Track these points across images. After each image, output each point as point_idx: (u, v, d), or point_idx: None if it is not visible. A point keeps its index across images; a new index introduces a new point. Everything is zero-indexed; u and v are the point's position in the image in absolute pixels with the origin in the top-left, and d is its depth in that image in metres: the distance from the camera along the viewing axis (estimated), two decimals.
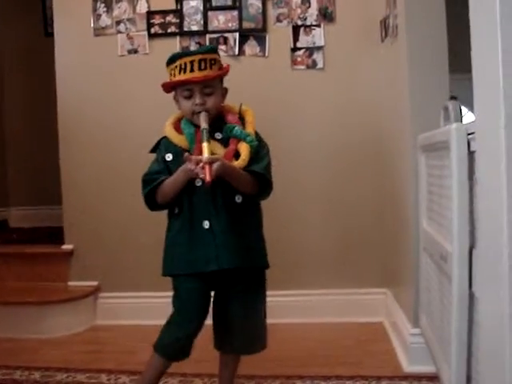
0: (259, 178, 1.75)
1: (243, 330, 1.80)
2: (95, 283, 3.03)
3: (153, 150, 1.85)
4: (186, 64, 1.70)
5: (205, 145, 1.62)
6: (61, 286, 3.07)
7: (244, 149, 1.72)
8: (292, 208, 2.90)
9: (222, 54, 2.82)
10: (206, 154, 1.59)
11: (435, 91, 2.14)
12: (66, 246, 3.08)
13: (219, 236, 1.71)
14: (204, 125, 1.68)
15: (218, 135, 1.75)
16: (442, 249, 1.69)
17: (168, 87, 1.79)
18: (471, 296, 1.48)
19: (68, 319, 2.90)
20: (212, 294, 1.82)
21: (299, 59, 2.86)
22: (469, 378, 1.52)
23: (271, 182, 1.80)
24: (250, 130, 1.78)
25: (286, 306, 2.83)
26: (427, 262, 2.01)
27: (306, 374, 2.18)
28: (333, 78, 2.86)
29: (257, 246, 1.82)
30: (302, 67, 2.87)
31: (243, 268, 1.75)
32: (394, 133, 2.53)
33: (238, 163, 1.70)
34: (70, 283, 3.08)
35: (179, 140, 1.76)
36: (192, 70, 1.69)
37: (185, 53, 1.77)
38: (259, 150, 1.79)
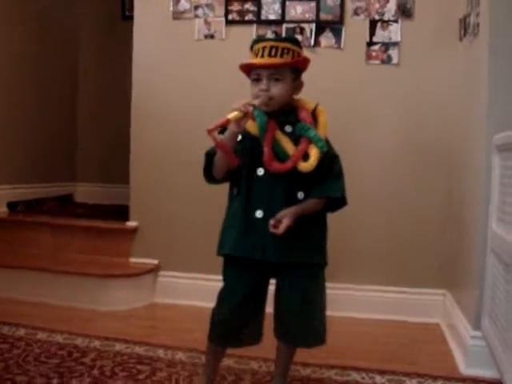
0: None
1: (295, 322, 1.78)
2: (156, 261, 3.10)
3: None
4: (259, 49, 1.71)
5: (237, 113, 1.60)
6: (122, 262, 3.16)
7: (314, 153, 1.69)
8: (355, 205, 2.87)
9: None
10: (231, 114, 1.60)
11: None
12: (131, 223, 3.17)
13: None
14: (256, 102, 1.67)
15: (289, 128, 1.74)
16: None
17: (243, 70, 1.79)
18: None
19: (127, 294, 2.97)
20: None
21: (374, 54, 2.84)
22: None
23: (347, 202, 1.82)
24: (321, 132, 1.74)
25: (344, 300, 2.83)
26: (494, 263, 1.97)
27: (361, 366, 2.18)
28: (407, 74, 2.83)
29: (313, 243, 1.79)
30: (377, 62, 2.85)
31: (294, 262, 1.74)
32: (467, 133, 2.49)
33: (305, 166, 1.68)
34: (132, 259, 3.16)
35: (249, 125, 1.72)
36: (262, 56, 1.70)
37: (261, 39, 1.78)
38: (333, 160, 1.79)
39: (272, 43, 1.70)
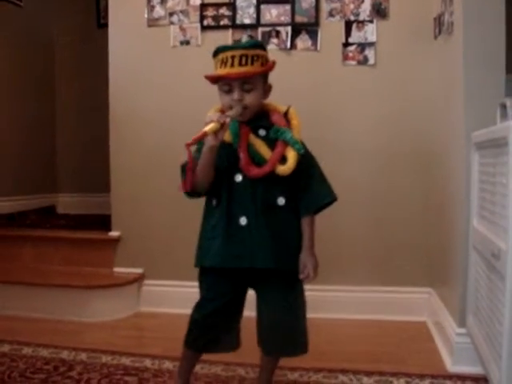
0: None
1: (274, 331, 1.77)
2: (140, 270, 3.08)
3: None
4: (227, 58, 1.66)
5: (214, 125, 1.59)
6: (106, 272, 3.14)
7: (292, 156, 1.68)
8: (339, 207, 2.87)
9: (273, 47, 2.86)
10: (208, 127, 1.59)
11: (490, 89, 2.11)
12: (113, 233, 3.15)
13: (255, 234, 1.68)
14: (231, 114, 1.65)
15: (262, 132, 1.72)
16: (494, 247, 1.67)
17: (211, 80, 1.74)
18: None
19: (112, 305, 2.95)
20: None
21: (351, 54, 2.85)
22: None
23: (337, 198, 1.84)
24: (295, 134, 1.73)
25: (329, 301, 2.84)
26: (477, 260, 1.98)
27: (349, 368, 2.18)
28: (384, 74, 2.84)
29: (294, 249, 1.77)
30: (353, 63, 2.86)
31: (277, 269, 1.73)
32: (446, 131, 2.51)
33: (283, 169, 1.67)
34: (116, 269, 3.14)
35: None
36: (232, 65, 1.65)
37: (227, 47, 1.71)
38: (311, 163, 1.79)
39: (241, 51, 1.66)
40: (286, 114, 1.78)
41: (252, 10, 2.90)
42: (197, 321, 1.80)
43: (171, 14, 2.99)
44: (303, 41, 2.88)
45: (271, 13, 2.89)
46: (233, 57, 1.65)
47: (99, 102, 3.41)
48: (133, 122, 3.08)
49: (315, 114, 2.86)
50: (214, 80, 1.73)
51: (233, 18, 2.92)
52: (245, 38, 2.88)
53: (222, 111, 1.72)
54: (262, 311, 1.79)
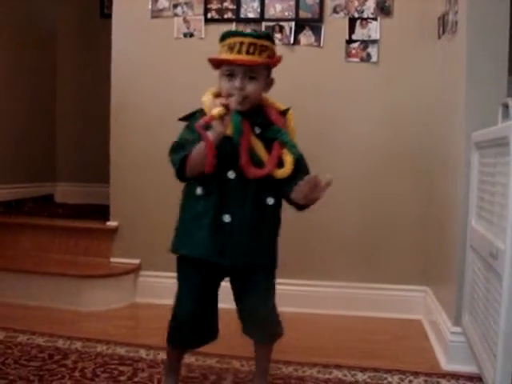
0: None
1: (257, 319, 1.80)
2: (137, 261, 3.09)
3: (185, 119, 1.78)
4: (235, 44, 1.63)
5: (221, 109, 1.53)
6: (103, 262, 3.14)
7: (289, 160, 1.67)
8: (335, 201, 2.90)
9: (276, 42, 2.82)
10: (215, 110, 1.53)
11: (492, 89, 2.11)
12: (111, 223, 3.15)
13: (237, 233, 1.68)
14: (233, 101, 1.61)
15: (258, 129, 1.69)
16: (492, 246, 1.67)
17: (214, 63, 1.71)
18: None
19: (108, 294, 2.96)
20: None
21: (354, 51, 2.85)
22: None
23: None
24: (292, 137, 1.73)
25: (326, 297, 2.86)
26: (474, 260, 1.99)
27: (343, 364, 2.19)
28: (386, 72, 2.85)
29: (269, 247, 1.79)
30: (356, 60, 2.86)
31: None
32: (447, 130, 2.51)
33: (281, 174, 1.67)
34: (112, 259, 3.15)
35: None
36: (239, 52, 1.62)
37: (237, 32, 1.70)
38: (301, 162, 1.76)
39: (250, 39, 1.62)
40: (282, 114, 1.76)
41: (256, 4, 2.90)
42: (181, 318, 1.78)
43: (175, 6, 2.98)
44: (307, 36, 2.88)
45: (275, 7, 2.89)
46: (241, 43, 1.62)
47: (100, 92, 3.40)
48: (134, 113, 3.08)
49: (316, 109, 2.87)
50: (218, 64, 1.70)
51: (237, 11, 2.91)
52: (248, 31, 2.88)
53: (219, 95, 1.70)
54: (242, 302, 1.80)
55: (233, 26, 2.92)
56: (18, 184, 3.96)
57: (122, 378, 2.01)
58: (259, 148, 1.67)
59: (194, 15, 2.97)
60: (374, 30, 2.83)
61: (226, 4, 2.92)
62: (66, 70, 4.39)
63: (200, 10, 2.96)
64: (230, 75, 1.66)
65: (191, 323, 1.77)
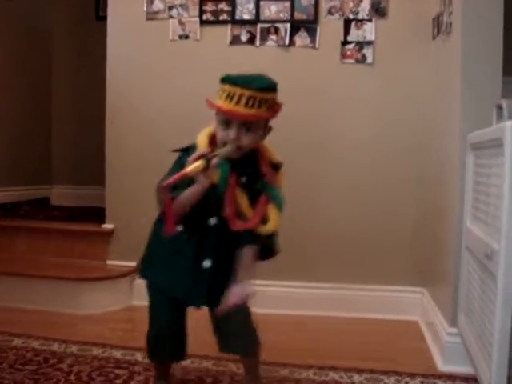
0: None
1: (239, 333, 1.81)
2: (133, 264, 3.06)
3: (178, 151, 1.73)
4: (234, 94, 1.55)
5: (199, 163, 1.49)
6: (99, 265, 3.13)
7: (274, 217, 1.64)
8: (330, 203, 2.91)
9: (272, 43, 2.87)
10: (191, 167, 1.48)
11: (487, 90, 2.11)
12: (107, 226, 3.14)
13: (216, 278, 1.68)
14: (222, 152, 1.55)
15: (244, 179, 1.65)
16: (487, 247, 1.67)
17: (211, 107, 1.63)
18: None
19: (104, 297, 2.95)
20: None
21: (349, 53, 2.85)
22: (509, 379, 1.50)
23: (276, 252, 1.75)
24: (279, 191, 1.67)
25: (322, 299, 2.85)
26: (469, 261, 1.99)
27: (340, 365, 2.18)
28: (381, 73, 2.85)
29: None
30: (352, 61, 2.86)
31: None
32: (443, 131, 2.51)
33: (265, 230, 1.63)
34: (109, 262, 3.14)
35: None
36: (238, 103, 1.54)
37: (238, 81, 1.57)
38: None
39: (250, 93, 1.54)
40: (275, 167, 1.71)
41: (251, 6, 2.90)
42: (155, 332, 1.81)
43: (170, 8, 2.98)
44: (302, 38, 2.87)
45: (270, 9, 2.89)
46: (240, 95, 1.54)
47: (96, 95, 3.39)
48: (129, 116, 3.07)
49: (311, 111, 2.88)
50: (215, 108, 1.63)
51: (232, 13, 2.91)
52: (244, 34, 2.88)
53: (214, 137, 1.65)
54: (220, 321, 1.77)
55: (228, 28, 2.92)
56: (14, 187, 3.96)
57: (117, 382, 2.01)
58: (243, 201, 1.63)
59: (189, 17, 2.96)
60: (369, 31, 2.83)
61: (221, 6, 2.92)
62: (62, 71, 4.39)
63: (195, 11, 2.95)
64: (226, 123, 1.59)
65: (169, 336, 1.80)
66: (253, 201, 1.64)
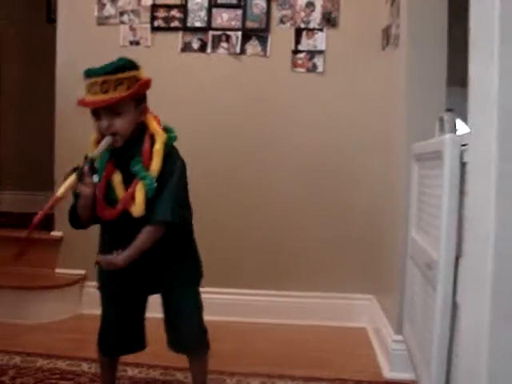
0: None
1: (181, 332, 1.82)
2: (82, 272, 3.03)
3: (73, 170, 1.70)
4: (91, 85, 1.59)
5: (70, 180, 1.56)
6: (48, 273, 3.08)
7: (139, 195, 1.62)
8: (280, 211, 2.92)
9: (223, 51, 2.86)
10: (60, 189, 1.57)
11: (432, 102, 2.17)
12: (56, 233, 3.09)
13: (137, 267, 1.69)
14: (95, 153, 1.61)
15: (121, 165, 1.68)
16: (428, 257, 1.70)
17: (78, 104, 1.67)
18: (455, 305, 1.49)
19: (53, 306, 2.90)
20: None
21: (300, 62, 2.88)
22: None
23: (182, 219, 1.70)
24: (156, 160, 1.64)
25: (269, 306, 2.86)
26: (413, 270, 2.02)
27: (287, 373, 2.19)
28: (332, 82, 2.88)
29: (177, 260, 1.82)
30: (302, 70, 2.88)
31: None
32: (389, 141, 2.55)
33: (135, 211, 1.63)
34: (58, 270, 3.09)
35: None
36: (95, 93, 1.58)
37: (90, 71, 1.61)
38: (169, 178, 1.66)
39: (103, 78, 1.56)
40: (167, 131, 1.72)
41: (203, 14, 2.90)
42: (106, 325, 1.87)
43: (122, 14, 2.96)
44: (253, 46, 2.89)
45: (222, 17, 2.89)
46: (95, 83, 1.57)
47: (44, 99, 3.34)
48: (79, 120, 3.02)
49: (263, 119, 2.88)
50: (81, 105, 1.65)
51: (184, 20, 2.90)
52: (195, 42, 2.88)
53: (98, 140, 1.67)
54: (168, 316, 1.82)
55: (179, 35, 2.91)
56: None
57: None
58: (118, 186, 1.66)
59: (140, 23, 2.95)
60: (320, 40, 2.87)
61: (173, 13, 2.91)
62: (11, 75, 4.28)
63: (147, 18, 2.94)
64: (96, 115, 1.63)
65: (115, 331, 1.83)
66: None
